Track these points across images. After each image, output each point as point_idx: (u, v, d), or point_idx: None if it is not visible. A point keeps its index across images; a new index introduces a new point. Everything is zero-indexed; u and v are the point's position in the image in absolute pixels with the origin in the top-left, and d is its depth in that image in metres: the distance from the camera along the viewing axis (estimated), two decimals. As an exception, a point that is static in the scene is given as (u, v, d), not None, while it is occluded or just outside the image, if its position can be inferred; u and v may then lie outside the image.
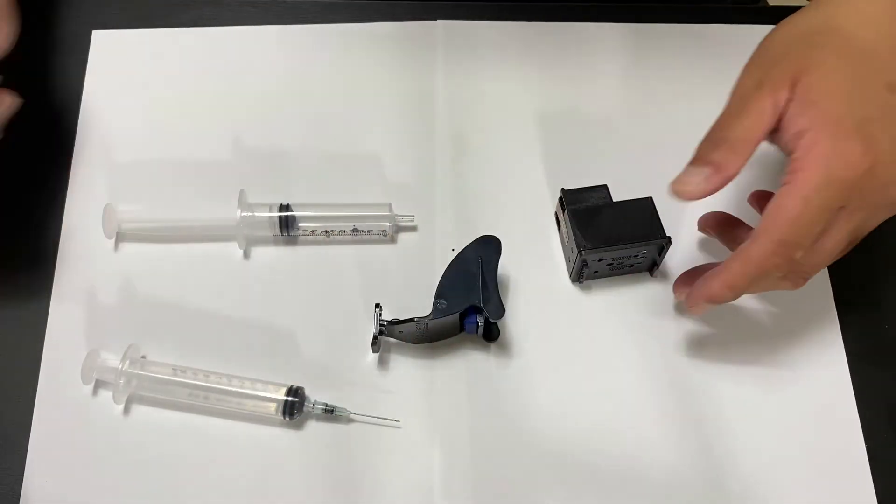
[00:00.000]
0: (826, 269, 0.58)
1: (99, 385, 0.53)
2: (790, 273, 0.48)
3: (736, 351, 0.56)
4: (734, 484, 0.52)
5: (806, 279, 0.49)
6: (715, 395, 0.54)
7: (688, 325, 0.56)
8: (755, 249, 0.46)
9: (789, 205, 0.44)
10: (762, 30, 0.67)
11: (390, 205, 0.58)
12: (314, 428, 0.52)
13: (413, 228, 0.59)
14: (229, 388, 0.52)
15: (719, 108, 0.63)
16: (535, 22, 0.66)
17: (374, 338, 0.52)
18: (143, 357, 0.54)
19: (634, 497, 0.51)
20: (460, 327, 0.54)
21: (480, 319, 0.53)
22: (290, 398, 0.52)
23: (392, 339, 0.54)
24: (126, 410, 0.53)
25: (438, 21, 0.66)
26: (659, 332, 0.56)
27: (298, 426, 0.53)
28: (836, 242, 0.47)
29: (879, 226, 0.59)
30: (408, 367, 0.55)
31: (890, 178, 0.46)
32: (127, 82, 0.64)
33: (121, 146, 0.61)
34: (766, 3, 0.73)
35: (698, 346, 0.56)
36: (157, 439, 0.52)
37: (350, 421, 0.52)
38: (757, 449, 0.53)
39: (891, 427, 0.54)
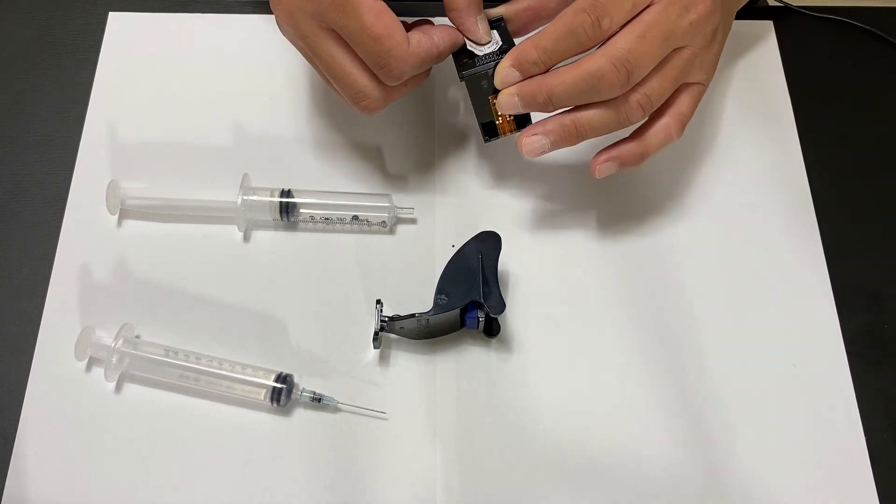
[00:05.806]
0: (826, 269, 0.58)
1: (92, 362, 0.54)
2: (618, 82, 0.48)
3: (736, 350, 0.55)
4: (735, 483, 0.51)
5: (639, 106, 0.50)
6: (716, 394, 0.54)
7: (690, 323, 0.56)
8: (568, 10, 0.49)
9: None
10: (762, 25, 0.66)
11: (390, 196, 0.58)
12: (302, 415, 0.53)
13: (413, 221, 0.59)
14: (220, 372, 0.52)
15: (716, 101, 0.62)
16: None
17: (375, 334, 0.52)
18: (138, 336, 0.54)
19: (635, 492, 0.51)
20: (461, 323, 0.53)
21: (481, 315, 0.52)
22: (278, 384, 0.52)
23: (392, 335, 0.54)
24: (117, 389, 0.53)
25: (436, 19, 0.65)
26: (661, 330, 0.56)
27: (287, 413, 0.53)
28: (651, 49, 0.49)
29: (879, 225, 0.60)
30: (408, 363, 0.54)
31: None
32: (139, 63, 0.64)
33: (129, 126, 0.62)
34: (766, 1, 0.72)
35: (700, 344, 0.55)
36: (146, 418, 0.52)
37: (338, 410, 0.52)
38: (757, 448, 0.52)
39: (891, 426, 0.54)
